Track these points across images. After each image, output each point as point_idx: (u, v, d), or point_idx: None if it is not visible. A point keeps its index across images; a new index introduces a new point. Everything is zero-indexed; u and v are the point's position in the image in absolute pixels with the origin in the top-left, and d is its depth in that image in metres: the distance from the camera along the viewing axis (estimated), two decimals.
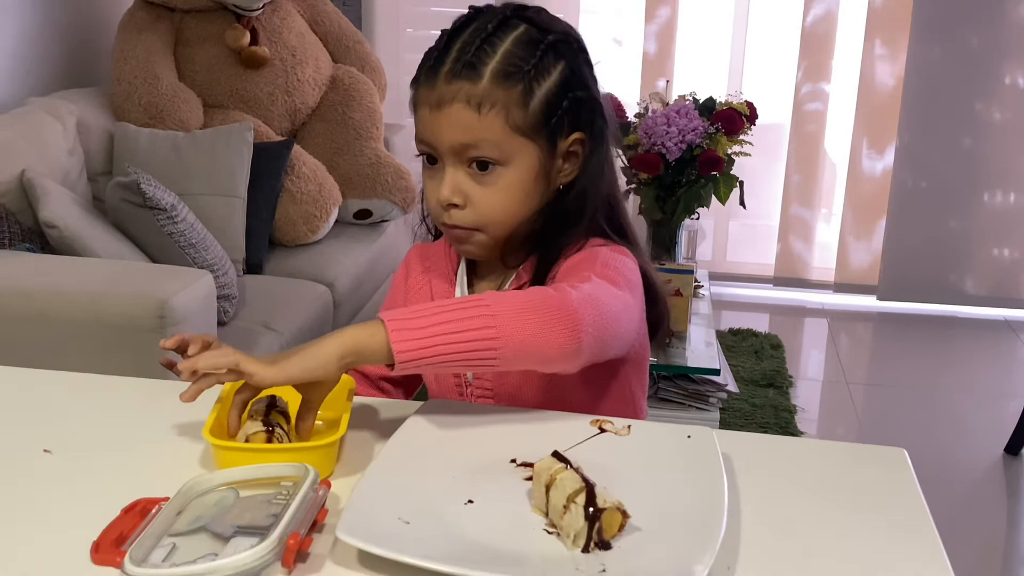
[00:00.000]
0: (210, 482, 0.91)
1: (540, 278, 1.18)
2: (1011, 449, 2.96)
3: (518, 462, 0.96)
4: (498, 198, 1.14)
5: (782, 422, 3.11)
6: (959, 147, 3.88)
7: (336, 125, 3.34)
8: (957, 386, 3.47)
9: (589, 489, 0.84)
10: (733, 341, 3.71)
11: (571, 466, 0.87)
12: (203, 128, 3.11)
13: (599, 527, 0.82)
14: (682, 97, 2.96)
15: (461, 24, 1.16)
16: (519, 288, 1.19)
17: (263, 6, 3.22)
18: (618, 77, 3.90)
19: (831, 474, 1.00)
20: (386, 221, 3.37)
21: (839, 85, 3.96)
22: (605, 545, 0.83)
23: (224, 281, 2.61)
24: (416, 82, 1.16)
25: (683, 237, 3.06)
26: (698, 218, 3.05)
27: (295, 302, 2.79)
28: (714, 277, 4.22)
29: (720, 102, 2.92)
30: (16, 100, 2.93)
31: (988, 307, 4.02)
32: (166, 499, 0.88)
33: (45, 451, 1.00)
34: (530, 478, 0.92)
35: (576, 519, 0.83)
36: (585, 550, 0.83)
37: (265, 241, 3.03)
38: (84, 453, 1.02)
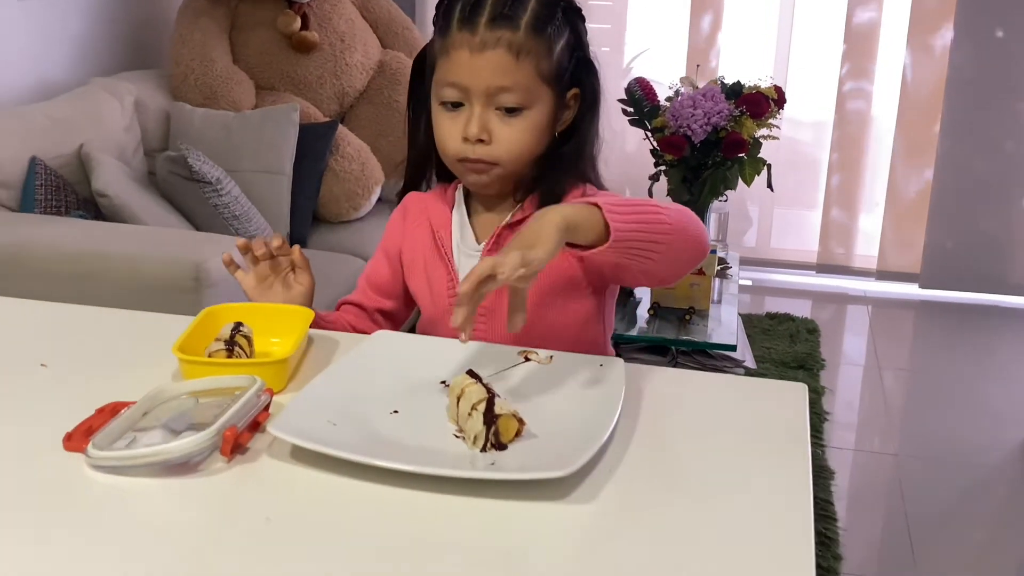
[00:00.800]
0: (174, 390, 1.04)
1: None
2: None
3: (447, 383, 1.08)
4: (519, 137, 1.29)
5: (808, 402, 3.16)
6: (1002, 140, 3.88)
7: (382, 108, 3.49)
8: (992, 375, 3.49)
9: (490, 399, 0.95)
10: (770, 325, 3.77)
11: (481, 381, 0.98)
12: (255, 109, 3.27)
13: (496, 430, 0.94)
14: (712, 81, 3.05)
15: None
16: (523, 219, 1.32)
17: None
18: (663, 67, 3.98)
19: (729, 404, 1.10)
20: None
21: (883, 79, 3.98)
22: (501, 447, 0.95)
23: None
24: (447, 28, 1.28)
25: (712, 220, 3.14)
26: (726, 200, 3.13)
27: (333, 275, 2.93)
28: (758, 263, 4.29)
29: (748, 86, 3.00)
30: (81, 81, 3.13)
31: None
32: (135, 402, 1.02)
33: (42, 365, 1.15)
34: (458, 399, 1.04)
35: (476, 423, 0.94)
36: (483, 450, 0.94)
37: (309, 217, 3.18)
38: (74, 367, 1.17)
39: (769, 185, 3.10)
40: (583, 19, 1.34)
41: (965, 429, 3.05)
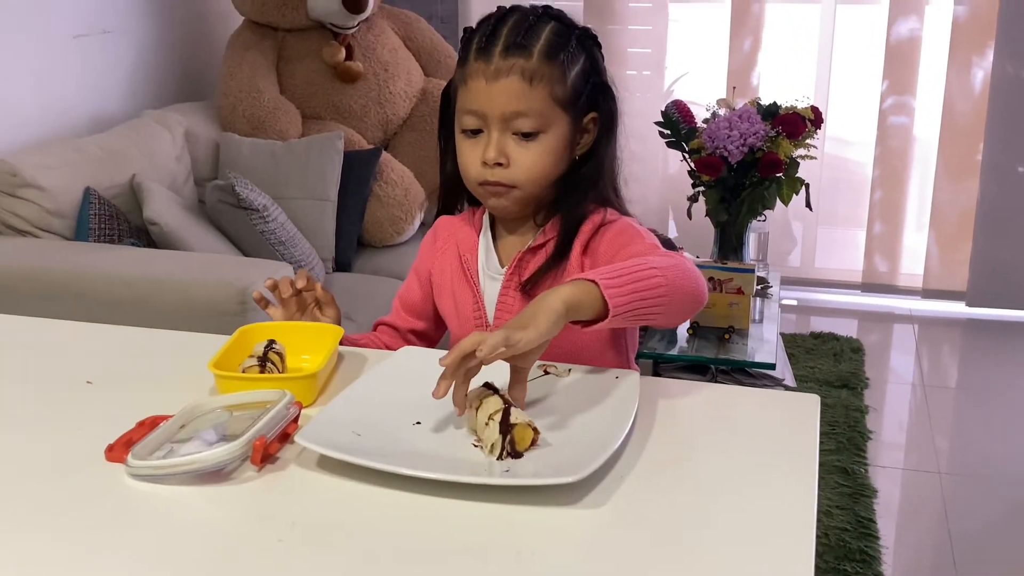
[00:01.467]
0: (209, 404, 1.10)
1: (568, 236, 1.38)
2: None
3: (468, 396, 1.13)
4: (536, 160, 1.34)
5: (851, 421, 3.16)
6: None
7: (425, 135, 3.56)
8: None
9: (506, 409, 1.00)
10: (814, 344, 3.77)
11: (498, 393, 1.03)
12: (301, 138, 3.36)
13: (511, 439, 0.99)
14: (749, 103, 3.08)
15: (503, 16, 1.37)
16: (544, 243, 1.39)
17: (358, 24, 3.47)
18: (703, 89, 4.01)
19: (743, 415, 1.13)
20: None
21: (925, 96, 3.98)
22: (517, 455, 0.99)
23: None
24: (465, 60, 1.36)
25: (751, 239, 3.16)
26: (764, 220, 3.15)
27: (376, 297, 3.00)
28: (802, 283, 4.29)
29: (785, 107, 3.02)
30: (133, 113, 3.24)
31: None
32: (173, 416, 1.08)
33: (88, 382, 1.21)
34: (476, 409, 1.09)
35: (493, 432, 0.99)
36: (500, 458, 0.99)
37: (354, 241, 3.25)
38: (118, 384, 1.23)
39: (808, 205, 3.11)
40: (599, 45, 1.40)
41: (1011, 448, 3.03)
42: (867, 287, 4.23)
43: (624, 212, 1.44)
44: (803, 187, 3.04)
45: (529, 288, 1.37)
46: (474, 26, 1.37)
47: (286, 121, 3.37)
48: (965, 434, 3.18)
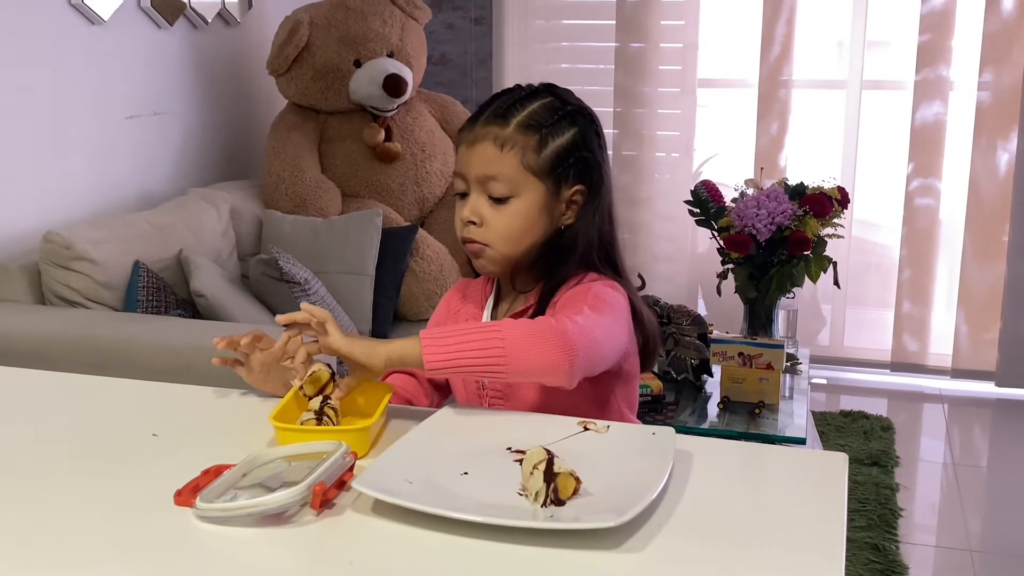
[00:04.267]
0: (270, 454, 1.17)
1: (544, 302, 1.47)
2: None
3: (512, 449, 1.20)
4: (506, 221, 1.45)
5: (882, 498, 3.18)
6: None
7: None
8: None
9: (549, 458, 1.06)
10: (843, 422, 3.80)
11: (549, 451, 1.09)
12: (341, 215, 3.47)
13: (555, 487, 1.05)
14: (777, 183, 3.16)
15: (504, 91, 1.51)
16: (526, 309, 1.49)
17: (397, 107, 3.60)
18: (731, 171, 4.10)
19: (774, 471, 1.19)
20: None
21: (950, 177, 4.05)
22: (560, 503, 1.05)
23: None
24: (461, 128, 1.50)
25: (780, 316, 3.22)
26: (793, 297, 3.21)
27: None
28: (832, 362, 4.33)
29: (811, 187, 3.10)
30: (180, 191, 3.37)
31: None
32: (235, 465, 1.15)
33: (153, 435, 1.29)
34: (518, 461, 1.15)
35: (537, 480, 1.05)
36: (544, 505, 1.05)
37: (390, 315, 3.34)
38: (181, 436, 1.31)
39: (836, 283, 3.17)
40: (594, 124, 1.50)
41: None
42: (896, 366, 4.25)
43: (614, 278, 1.50)
44: (831, 265, 3.11)
45: None
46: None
47: (327, 199, 3.48)
48: (997, 513, 3.18)
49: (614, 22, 4.17)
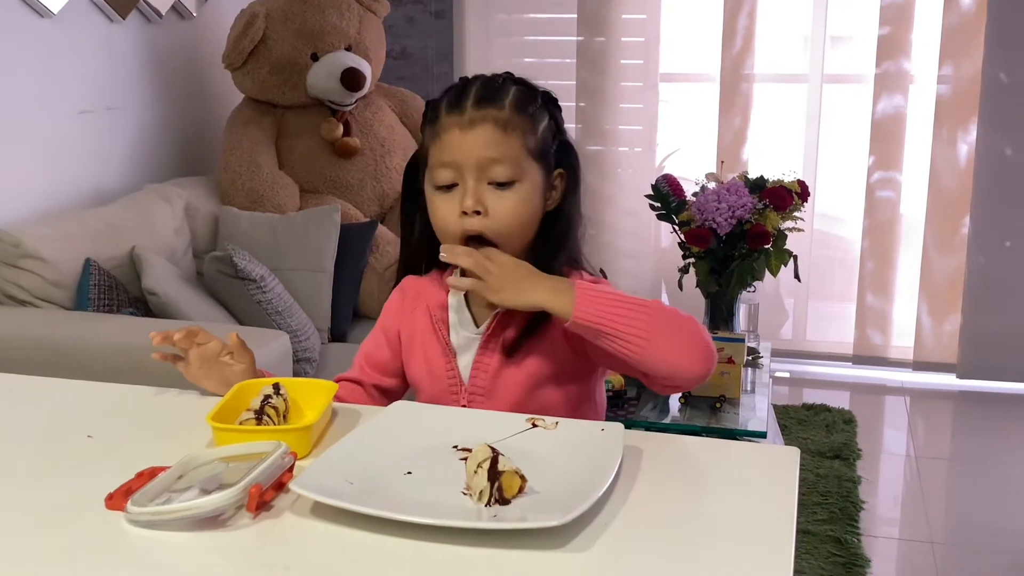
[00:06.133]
0: (207, 455, 1.13)
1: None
2: None
3: (459, 447, 1.16)
4: (514, 209, 1.38)
5: (844, 491, 3.18)
6: None
7: None
8: None
9: (494, 457, 1.03)
10: (806, 415, 3.79)
11: (494, 449, 1.06)
12: (299, 211, 3.42)
13: (499, 486, 1.02)
14: (737, 176, 3.15)
15: (468, 80, 1.43)
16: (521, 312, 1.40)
17: (356, 101, 3.55)
18: (693, 165, 4.09)
19: (725, 466, 1.17)
20: None
21: (910, 171, 4.06)
22: (504, 502, 1.02)
23: (306, 345, 2.88)
24: (436, 117, 1.40)
25: (741, 310, 3.21)
26: (754, 291, 3.19)
27: None
28: (794, 355, 4.33)
29: (772, 180, 3.09)
30: (135, 187, 3.31)
31: None
32: (171, 467, 1.11)
33: (88, 436, 1.25)
34: (464, 460, 1.12)
35: (481, 479, 1.02)
36: (488, 504, 1.02)
37: (350, 312, 3.30)
38: (117, 438, 1.27)
39: (796, 276, 3.17)
40: (559, 108, 1.47)
41: (1004, 518, 3.04)
42: (859, 359, 4.26)
43: (593, 273, 1.47)
44: (791, 259, 3.10)
45: (512, 352, 1.40)
46: (438, 96, 1.43)
47: (284, 195, 3.43)
48: (958, 504, 3.19)
49: (576, 16, 4.15)
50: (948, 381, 4.14)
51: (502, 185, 1.37)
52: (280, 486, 1.07)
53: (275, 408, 1.22)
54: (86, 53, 3.18)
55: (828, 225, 4.27)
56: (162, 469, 1.11)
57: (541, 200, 1.42)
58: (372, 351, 1.54)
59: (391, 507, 0.99)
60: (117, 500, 1.05)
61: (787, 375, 4.24)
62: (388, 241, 3.42)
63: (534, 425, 1.22)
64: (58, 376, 1.99)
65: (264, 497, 1.03)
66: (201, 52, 3.73)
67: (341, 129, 3.54)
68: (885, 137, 4.02)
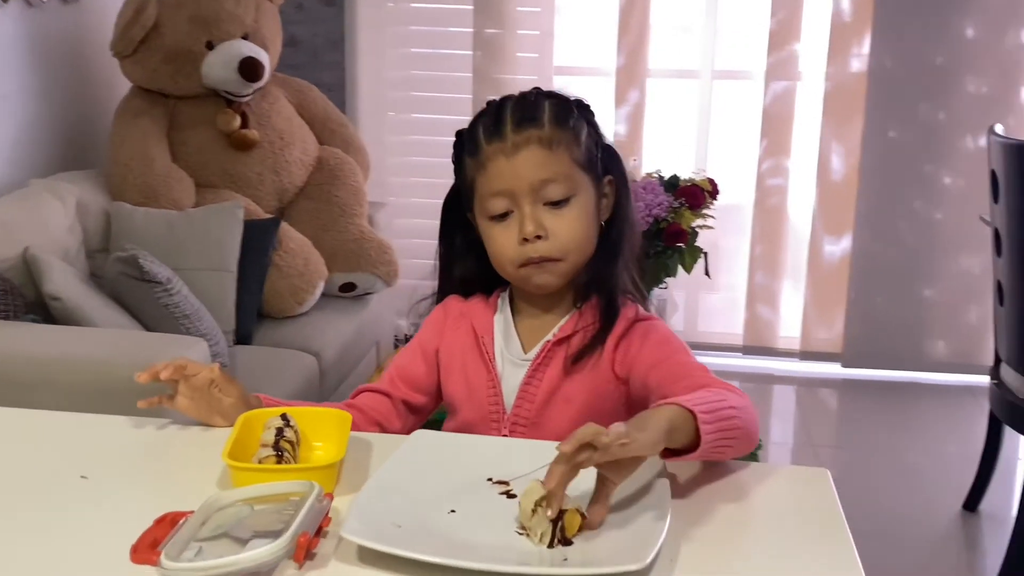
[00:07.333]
0: (229, 497, 1.05)
1: (608, 320, 1.38)
2: (969, 505, 3.11)
3: (493, 480, 1.12)
4: (574, 225, 1.34)
5: None
6: (917, 217, 4.07)
7: (322, 203, 3.52)
8: (919, 448, 3.61)
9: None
10: None
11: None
12: (195, 207, 3.27)
13: (562, 526, 0.97)
14: (649, 174, 3.16)
15: (501, 102, 1.38)
16: (572, 334, 1.38)
17: (253, 92, 3.41)
18: None
19: (760, 491, 1.15)
20: (370, 294, 3.53)
21: (799, 163, 4.16)
22: (567, 542, 0.98)
23: (216, 350, 2.75)
24: (476, 148, 1.35)
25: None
26: (666, 287, 3.22)
27: (284, 371, 2.93)
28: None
29: (684, 179, 3.12)
30: (19, 182, 3.09)
31: (950, 373, 4.17)
32: (191, 512, 1.02)
33: (82, 477, 1.14)
34: (504, 494, 1.08)
35: (542, 520, 0.98)
36: (550, 546, 0.97)
37: (254, 313, 3.17)
38: (112, 477, 1.16)
39: (707, 272, 3.20)
40: (594, 114, 1.42)
41: (898, 503, 3.16)
42: (748, 350, 4.36)
43: (643, 300, 1.44)
44: (702, 255, 3.14)
45: (571, 369, 1.36)
46: (469, 125, 1.38)
47: (179, 190, 3.28)
48: (846, 492, 3.27)
49: (471, 7, 4.09)
50: (834, 370, 4.27)
51: (558, 204, 1.33)
52: (318, 531, 1.00)
53: (290, 442, 1.15)
54: None
55: (719, 218, 4.34)
56: (181, 514, 1.02)
57: (597, 210, 1.38)
58: (406, 365, 1.48)
59: (452, 553, 0.94)
60: (144, 553, 0.96)
61: None
62: (292, 238, 3.31)
63: None
64: None
65: (311, 546, 0.96)
66: (87, 39, 3.51)
67: (239, 120, 3.39)
68: (775, 132, 4.11)
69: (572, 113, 1.36)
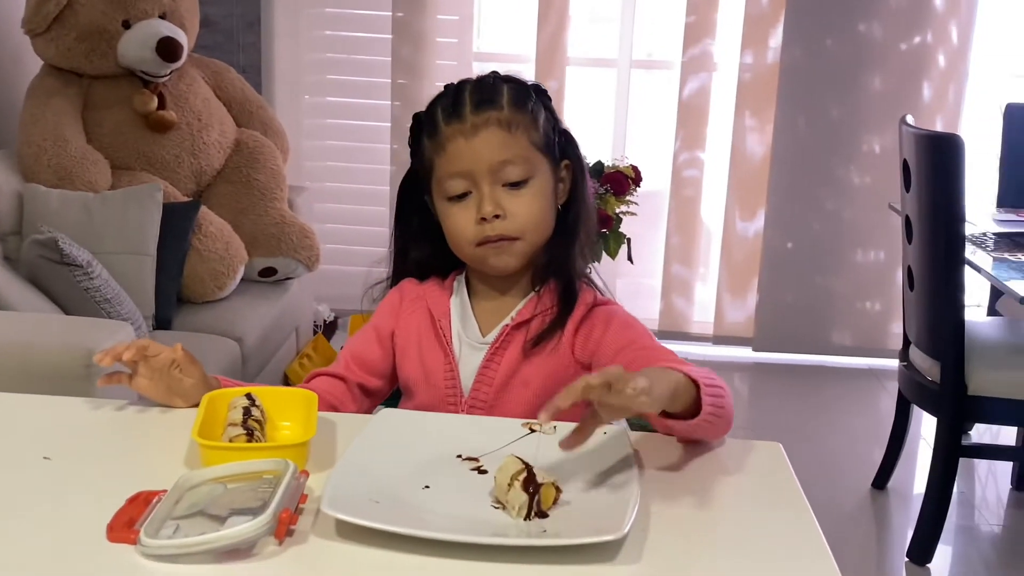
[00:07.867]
0: (202, 476, 1.05)
1: (566, 303, 1.40)
2: (877, 484, 3.22)
3: (463, 457, 1.13)
4: (532, 206, 1.36)
5: None
6: (824, 209, 4.20)
7: (241, 186, 3.47)
8: (828, 430, 3.73)
9: (529, 470, 1.01)
10: None
11: (522, 461, 1.04)
12: (111, 189, 3.20)
13: (538, 499, 1.00)
14: None
15: (459, 85, 1.39)
16: (530, 319, 1.39)
17: (170, 73, 3.35)
18: None
19: (715, 465, 1.20)
20: (290, 279, 3.50)
21: (713, 153, 4.25)
22: (543, 514, 1.00)
23: (137, 335, 2.70)
24: (435, 129, 1.36)
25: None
26: (591, 272, 3.26)
27: (206, 356, 2.86)
28: None
29: (608, 166, 3.17)
30: None
31: (855, 357, 4.32)
32: (164, 491, 1.02)
33: (45, 458, 1.13)
34: (475, 470, 1.10)
35: (519, 494, 1.00)
36: (527, 519, 1.00)
37: (173, 298, 3.12)
38: (76, 457, 1.15)
39: (629, 258, 3.26)
40: (550, 99, 1.43)
41: (809, 483, 3.24)
42: (663, 334, 4.44)
43: (597, 286, 1.46)
44: (626, 241, 3.19)
45: (529, 353, 1.38)
46: (427, 107, 1.39)
47: (95, 172, 3.20)
48: None
49: None
50: (745, 354, 4.38)
51: (516, 185, 1.35)
52: (295, 508, 1.01)
53: (258, 421, 1.14)
54: None
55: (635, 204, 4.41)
56: (154, 494, 1.02)
57: (554, 194, 1.40)
58: (361, 349, 1.48)
59: (433, 525, 0.96)
60: (121, 532, 0.95)
61: None
62: (211, 222, 3.26)
63: (532, 430, 1.20)
64: None
65: (291, 522, 0.96)
66: None
67: (156, 101, 3.33)
68: (691, 120, 4.18)
69: (530, 97, 1.38)
